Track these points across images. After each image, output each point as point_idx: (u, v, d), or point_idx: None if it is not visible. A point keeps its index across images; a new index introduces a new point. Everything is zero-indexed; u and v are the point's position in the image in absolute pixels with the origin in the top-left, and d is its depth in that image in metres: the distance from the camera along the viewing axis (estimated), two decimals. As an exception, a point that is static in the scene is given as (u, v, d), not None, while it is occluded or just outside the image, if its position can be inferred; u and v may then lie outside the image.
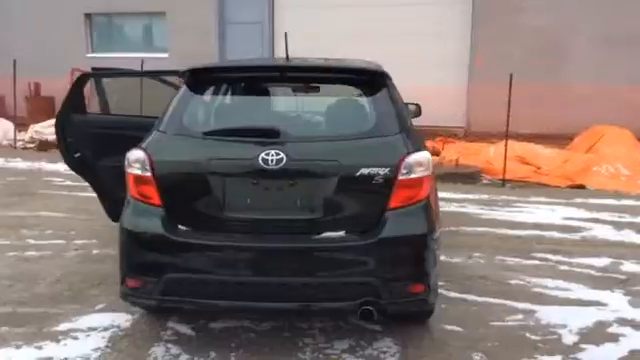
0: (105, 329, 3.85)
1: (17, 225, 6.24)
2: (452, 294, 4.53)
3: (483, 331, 3.93)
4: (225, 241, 3.30)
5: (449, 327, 3.98)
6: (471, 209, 7.06)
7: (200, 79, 3.74)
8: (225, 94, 3.86)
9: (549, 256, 5.39)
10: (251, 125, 3.50)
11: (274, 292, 3.31)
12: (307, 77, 3.79)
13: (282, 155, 3.29)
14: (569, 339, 3.82)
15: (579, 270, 5.07)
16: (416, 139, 3.65)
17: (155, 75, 5.58)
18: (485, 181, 9.12)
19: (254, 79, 3.85)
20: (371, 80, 3.70)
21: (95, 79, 5.27)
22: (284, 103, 3.95)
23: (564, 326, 3.99)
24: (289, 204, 3.35)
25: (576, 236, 6.02)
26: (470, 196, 7.73)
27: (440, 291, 4.50)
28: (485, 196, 7.75)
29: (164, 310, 3.87)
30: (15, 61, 11.43)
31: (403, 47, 13.05)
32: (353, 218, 3.38)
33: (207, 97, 3.76)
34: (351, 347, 3.68)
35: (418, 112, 5.80)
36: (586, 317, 4.13)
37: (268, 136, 3.37)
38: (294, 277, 3.28)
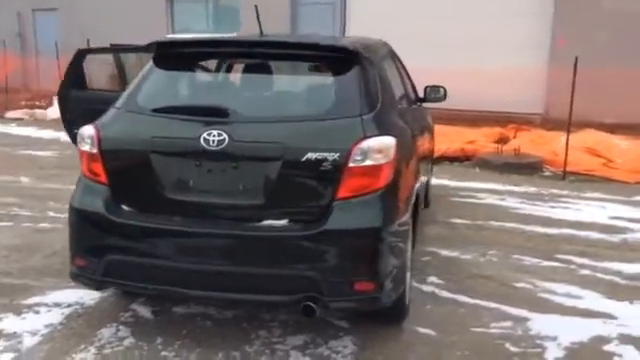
0: (69, 305, 3.85)
1: (47, 197, 6.45)
2: (444, 294, 4.17)
3: (458, 337, 3.57)
4: (164, 224, 3.17)
5: (422, 330, 3.65)
6: (509, 202, 6.54)
7: (166, 53, 3.61)
8: (187, 70, 3.69)
9: (574, 258, 4.87)
10: (197, 103, 3.33)
11: (209, 280, 3.14)
12: (274, 54, 3.55)
13: (224, 136, 3.09)
14: (552, 354, 3.39)
15: (602, 276, 4.53)
16: (389, 124, 3.34)
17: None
18: (546, 173, 8.45)
19: (218, 54, 3.68)
20: (341, 58, 3.41)
21: (114, 55, 5.30)
22: (247, 80, 3.73)
23: (554, 339, 3.55)
24: (232, 188, 3.15)
25: (615, 238, 5.40)
26: (516, 188, 7.18)
27: (432, 290, 4.20)
28: (533, 189, 7.17)
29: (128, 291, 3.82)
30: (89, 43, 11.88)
31: (482, 27, 12.35)
32: (298, 207, 3.13)
33: (170, 72, 3.60)
34: (305, 344, 3.46)
35: (442, 96, 5.40)
36: (584, 330, 3.66)
37: (214, 115, 3.18)
38: (230, 265, 3.10)
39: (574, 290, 4.26)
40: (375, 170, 3.10)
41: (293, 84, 3.59)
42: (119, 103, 3.45)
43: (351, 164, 3.05)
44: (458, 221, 5.83)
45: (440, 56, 12.26)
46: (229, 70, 3.74)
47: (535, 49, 12.62)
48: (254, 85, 3.65)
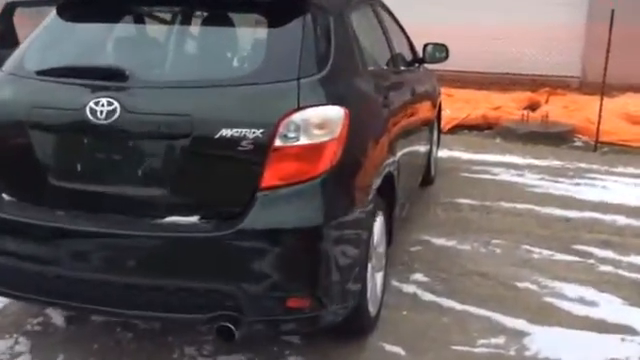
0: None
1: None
2: (427, 296, 3.45)
3: (431, 358, 2.85)
4: (43, 220, 2.50)
5: (389, 347, 2.94)
6: (527, 179, 5.71)
7: (72, 3, 2.91)
8: (90, 20, 2.93)
9: (595, 250, 4.06)
10: (88, 63, 2.63)
11: (99, 292, 2.47)
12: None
13: (115, 105, 2.40)
14: (549, 386, 2.66)
15: (627, 275, 3.73)
16: (342, 90, 2.60)
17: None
18: (577, 143, 7.53)
19: (133, 2, 2.92)
20: (280, 5, 2.65)
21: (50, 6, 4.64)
22: (156, 33, 2.99)
23: (555, 363, 2.81)
24: (126, 174, 2.46)
25: (649, 224, 4.55)
26: (538, 162, 6.32)
27: (414, 291, 3.50)
28: (558, 163, 6.29)
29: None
30: None
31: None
32: (212, 199, 2.44)
33: (69, 23, 2.88)
34: (238, 365, 2.80)
35: (445, 56, 4.58)
36: (597, 351, 2.91)
37: (106, 78, 2.48)
38: (122, 275, 2.43)
39: (589, 293, 3.48)
40: (314, 151, 2.38)
41: (215, 38, 2.82)
42: (6, 65, 2.77)
43: (278, 143, 2.33)
44: (463, 201, 5.05)
45: (466, 15, 11.29)
46: (139, 21, 2.97)
47: (572, 4, 11.44)
48: (164, 39, 2.90)
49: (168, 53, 2.80)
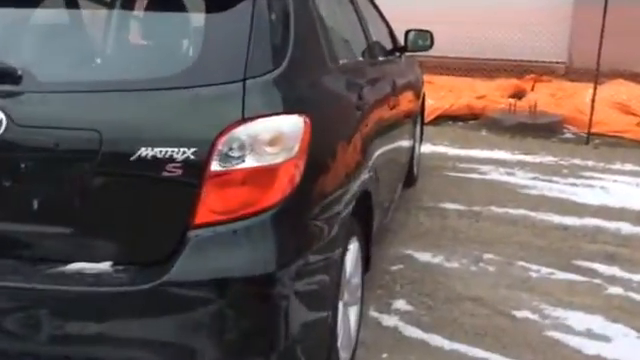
0: None
1: None
2: (411, 331, 2.92)
3: (417, 420, 2.34)
4: None
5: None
6: (519, 178, 5.20)
7: None
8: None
9: (600, 267, 3.57)
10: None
11: None
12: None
13: (1, 116, 1.82)
14: None
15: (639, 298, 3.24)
16: (302, 92, 2.04)
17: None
18: (567, 135, 7.06)
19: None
20: None
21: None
22: (67, 21, 2.35)
23: None
24: (18, 206, 1.89)
25: (656, 233, 4.07)
26: (529, 158, 5.82)
27: (395, 324, 3.00)
28: (550, 159, 5.80)
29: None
30: None
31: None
32: (128, 239, 1.87)
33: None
34: None
35: (429, 43, 4.03)
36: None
37: None
38: (8, 341, 1.86)
39: (598, 324, 2.99)
40: (264, 175, 1.82)
41: (135, 28, 2.25)
42: None
43: (216, 166, 1.77)
44: (450, 206, 4.53)
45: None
46: (35, 4, 2.32)
47: (558, -14, 10.96)
48: (69, 29, 2.27)
49: (73, 47, 2.19)
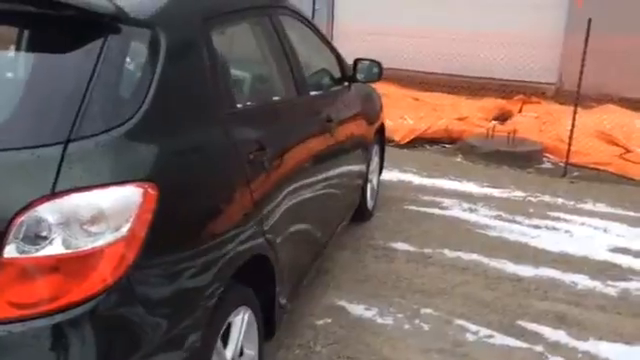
0: None
1: None
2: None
3: None
4: None
5: None
6: (481, 216, 4.88)
7: None
8: None
9: (544, 330, 3.26)
10: None
11: None
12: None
13: None
14: None
15: (582, 373, 2.92)
16: (158, 153, 1.73)
17: None
18: (546, 164, 6.74)
19: None
20: (70, 24, 1.77)
21: None
22: None
23: None
24: None
25: (613, 289, 3.74)
26: (497, 192, 5.50)
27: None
28: (519, 194, 5.47)
29: None
30: None
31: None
32: None
33: None
34: None
35: (377, 74, 3.74)
36: None
37: None
38: None
39: (530, 405, 2.66)
40: (75, 263, 1.50)
41: None
42: None
43: (10, 253, 1.46)
44: (401, 247, 4.22)
45: (440, 16, 10.57)
46: None
47: (551, 9, 10.67)
48: None
49: None
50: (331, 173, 3.28)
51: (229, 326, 2.15)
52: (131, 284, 1.57)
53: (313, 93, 3.23)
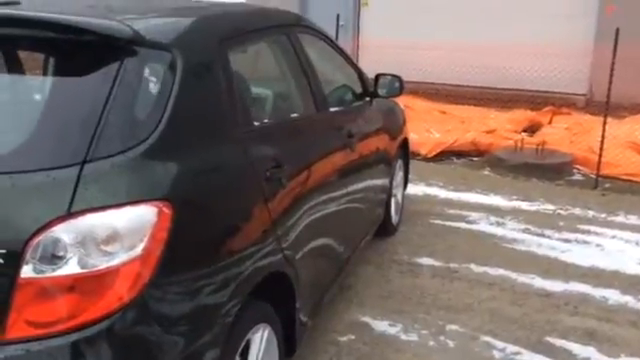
0: None
1: None
2: None
3: None
4: None
5: None
6: (508, 230, 4.81)
7: None
8: None
9: (573, 347, 3.18)
10: None
11: None
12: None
13: None
14: None
15: (612, 391, 2.84)
16: (174, 172, 1.75)
17: None
18: (576, 177, 6.62)
19: None
20: (86, 47, 1.80)
21: None
22: None
23: None
24: None
25: (648, 304, 3.64)
26: (526, 205, 5.42)
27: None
28: (549, 207, 5.38)
29: None
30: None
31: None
32: None
33: None
34: None
35: (398, 88, 3.74)
36: None
37: None
38: None
39: None
40: (91, 282, 1.53)
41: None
42: None
43: (27, 273, 1.49)
44: (426, 262, 4.18)
45: (469, 27, 10.53)
46: None
47: (580, 18, 10.56)
48: None
49: None
50: (352, 188, 3.27)
51: (248, 343, 2.15)
52: (147, 302, 1.58)
53: (333, 109, 3.23)
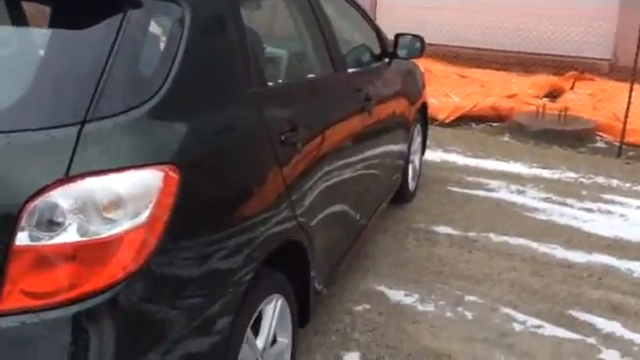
0: None
1: None
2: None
3: None
4: None
5: None
6: (529, 198, 4.66)
7: None
8: None
9: (597, 321, 3.07)
10: None
11: None
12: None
13: None
14: None
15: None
16: (181, 133, 1.63)
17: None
18: (599, 144, 6.42)
19: None
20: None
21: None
22: None
23: None
24: None
25: (675, 276, 3.51)
26: (547, 173, 5.26)
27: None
28: (571, 175, 5.22)
29: None
30: None
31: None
32: None
33: None
34: None
35: (419, 49, 3.57)
36: None
37: None
38: None
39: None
40: (91, 251, 1.42)
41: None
42: None
43: (22, 241, 1.38)
44: (443, 230, 4.06)
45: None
46: None
47: (607, -21, 10.17)
48: None
49: None
50: (369, 154, 3.14)
51: (260, 315, 2.06)
52: (154, 271, 1.48)
53: (351, 70, 3.08)
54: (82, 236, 1.40)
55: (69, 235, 1.39)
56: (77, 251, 1.40)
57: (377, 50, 3.65)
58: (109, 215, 1.42)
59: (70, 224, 1.39)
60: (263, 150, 2.00)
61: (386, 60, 3.70)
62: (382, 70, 3.61)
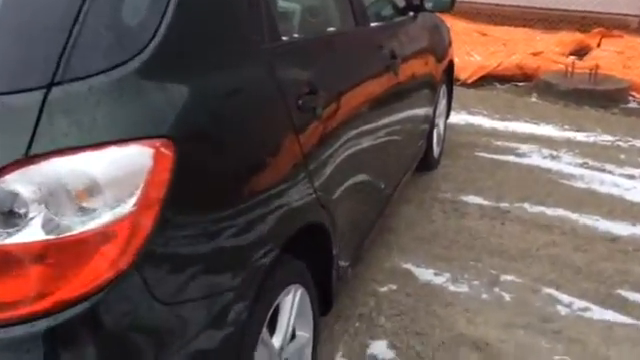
0: None
1: None
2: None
3: None
4: None
5: None
6: (565, 164, 4.32)
7: None
8: None
9: (651, 302, 2.75)
10: None
11: None
12: None
13: None
14: None
15: (700, 357, 2.43)
16: (177, 98, 1.31)
17: None
18: (632, 104, 6.03)
19: None
20: None
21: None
22: None
23: None
24: None
25: None
26: (581, 136, 4.90)
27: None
28: (607, 138, 4.86)
29: None
30: None
31: None
32: None
33: None
34: None
35: (449, 2, 3.25)
36: None
37: None
38: None
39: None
40: (62, 251, 1.11)
41: None
42: None
43: None
44: (472, 200, 3.74)
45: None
46: None
47: None
48: None
49: None
50: (395, 118, 2.81)
51: (276, 309, 1.77)
52: (144, 273, 1.18)
53: (374, 24, 2.72)
54: (50, 231, 1.09)
55: (33, 230, 1.08)
56: (45, 251, 1.09)
57: (401, 2, 3.28)
58: (83, 204, 1.12)
59: (34, 217, 1.09)
60: (278, 118, 1.67)
61: (411, 14, 3.33)
62: (407, 24, 3.25)
